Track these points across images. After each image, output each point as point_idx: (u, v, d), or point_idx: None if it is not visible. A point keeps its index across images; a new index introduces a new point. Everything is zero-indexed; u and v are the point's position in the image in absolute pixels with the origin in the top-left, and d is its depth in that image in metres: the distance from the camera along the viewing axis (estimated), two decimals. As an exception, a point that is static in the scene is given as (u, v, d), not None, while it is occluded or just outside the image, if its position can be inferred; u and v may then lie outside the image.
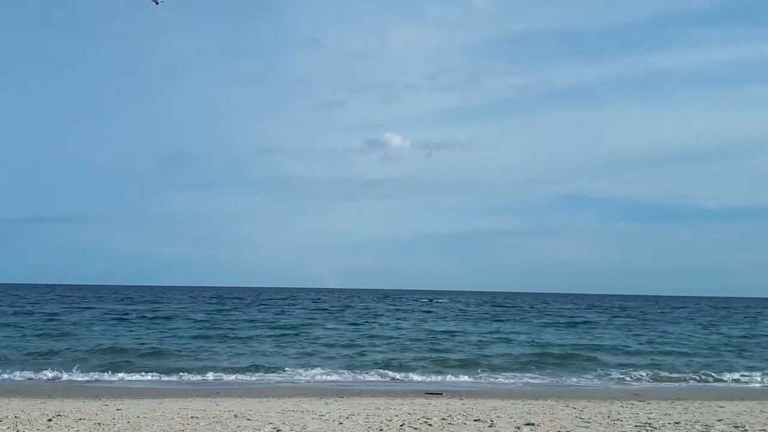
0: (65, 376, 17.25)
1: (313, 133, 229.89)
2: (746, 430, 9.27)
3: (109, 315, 38.71)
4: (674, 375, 19.43)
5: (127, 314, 39.76)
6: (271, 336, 28.00)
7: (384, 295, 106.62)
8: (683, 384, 18.26)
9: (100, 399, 12.77)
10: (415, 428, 9.14)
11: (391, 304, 65.32)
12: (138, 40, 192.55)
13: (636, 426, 9.54)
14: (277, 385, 16.45)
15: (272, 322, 35.84)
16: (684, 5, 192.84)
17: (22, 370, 17.69)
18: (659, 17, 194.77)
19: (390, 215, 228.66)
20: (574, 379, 18.62)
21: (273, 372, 18.53)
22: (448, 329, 32.93)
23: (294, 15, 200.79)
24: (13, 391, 14.12)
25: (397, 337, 28.27)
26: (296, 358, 21.79)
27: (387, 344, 25.73)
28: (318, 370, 18.83)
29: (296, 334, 28.87)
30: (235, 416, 10.05)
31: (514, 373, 19.29)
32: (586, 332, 33.63)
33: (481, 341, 27.51)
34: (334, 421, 9.69)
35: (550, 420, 10.10)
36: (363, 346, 24.86)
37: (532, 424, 9.51)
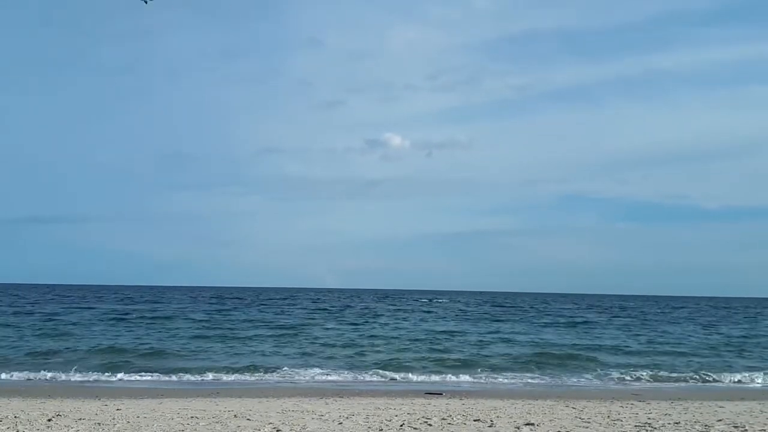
0: (65, 376, 17.24)
1: (313, 133, 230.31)
2: (746, 430, 9.27)
3: (109, 315, 38.71)
4: (674, 375, 19.43)
5: (127, 314, 39.76)
6: (270, 336, 28.01)
7: (384, 295, 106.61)
8: (683, 384, 18.26)
9: (99, 399, 12.77)
10: (415, 428, 9.13)
11: (391, 304, 65.30)
12: (138, 40, 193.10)
13: (636, 426, 9.53)
14: (277, 385, 16.45)
15: (272, 322, 35.83)
16: (684, 5, 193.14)
17: (22, 370, 17.69)
18: (659, 17, 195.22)
19: (390, 215, 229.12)
20: (574, 379, 18.61)
21: (273, 372, 18.53)
22: (448, 329, 32.92)
23: (294, 15, 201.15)
24: (13, 391, 14.12)
25: (397, 337, 28.26)
26: (296, 358, 21.79)
27: (387, 344, 25.73)
28: (318, 370, 18.83)
29: (296, 334, 28.87)
30: (235, 416, 10.05)
31: (514, 373, 19.29)
32: (586, 332, 33.63)
33: (481, 341, 27.50)
34: (334, 421, 9.68)
35: (550, 420, 10.10)
36: (363, 346, 24.86)
37: (532, 424, 9.50)
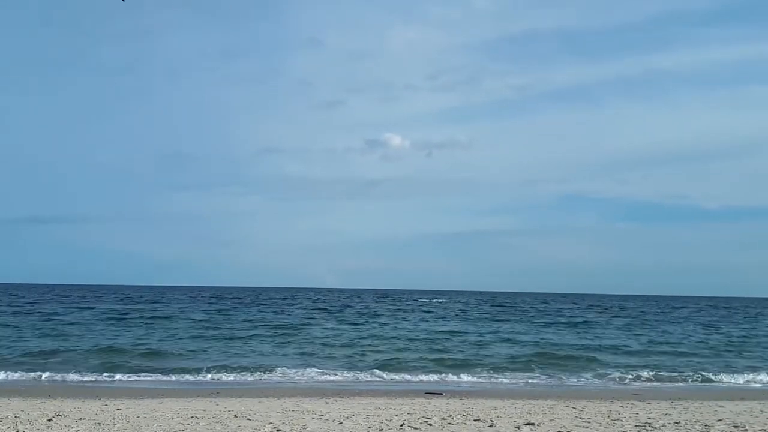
0: (65, 376, 17.23)
1: (313, 133, 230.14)
2: (746, 430, 9.27)
3: (109, 315, 38.69)
4: (674, 375, 19.41)
5: (126, 314, 39.75)
6: (270, 336, 28.01)
7: (384, 295, 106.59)
8: (683, 384, 18.26)
9: (100, 399, 12.77)
10: (415, 428, 9.13)
11: (391, 304, 65.29)
12: (138, 40, 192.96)
13: (636, 426, 9.53)
14: (277, 385, 16.45)
15: (272, 322, 35.82)
16: (684, 5, 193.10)
17: (22, 370, 17.68)
18: (659, 17, 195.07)
19: (390, 215, 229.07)
20: (574, 379, 18.61)
21: (273, 372, 18.52)
22: (448, 329, 32.91)
23: (294, 15, 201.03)
24: (13, 391, 14.12)
25: (397, 337, 28.26)
26: (296, 357, 21.79)
27: (387, 344, 25.73)
28: (318, 370, 18.82)
29: (296, 334, 28.88)
30: (235, 416, 10.05)
31: (514, 373, 19.29)
32: (586, 332, 33.63)
33: (481, 341, 27.50)
34: (334, 420, 9.68)
35: (550, 420, 10.10)
36: (363, 346, 24.86)
37: (532, 424, 9.50)
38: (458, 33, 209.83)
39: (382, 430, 8.97)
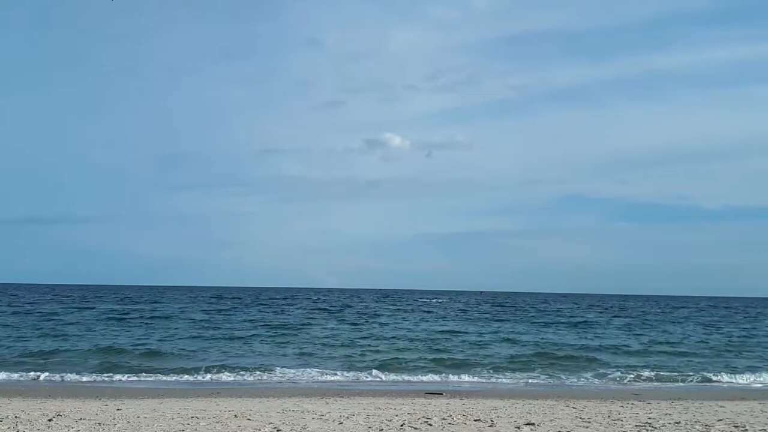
0: (65, 376, 17.23)
1: (312, 134, 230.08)
2: (746, 430, 9.27)
3: (109, 315, 38.69)
4: (674, 375, 19.42)
5: (126, 314, 39.75)
6: (270, 336, 28.01)
7: (384, 295, 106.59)
8: (683, 384, 18.26)
9: (100, 399, 12.77)
10: (415, 428, 9.13)
11: (391, 304, 65.28)
12: (137, 40, 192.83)
13: (636, 426, 9.53)
14: (277, 385, 16.45)
15: (272, 322, 35.83)
16: (684, 5, 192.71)
17: (22, 370, 17.69)
18: (659, 17, 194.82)
19: (390, 215, 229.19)
20: (574, 379, 18.62)
21: (273, 372, 18.52)
22: (448, 329, 32.91)
23: (293, 15, 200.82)
24: (13, 391, 14.12)
25: (397, 337, 28.27)
26: (296, 357, 21.80)
27: (387, 344, 25.74)
28: (318, 370, 18.83)
29: (296, 334, 28.88)
30: (236, 416, 10.05)
31: (514, 373, 19.30)
32: (586, 332, 33.63)
33: (481, 341, 27.51)
34: (334, 421, 9.68)
35: (550, 420, 10.10)
36: (363, 346, 24.86)
37: (533, 424, 9.50)
38: (458, 33, 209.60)
39: (382, 430, 8.97)
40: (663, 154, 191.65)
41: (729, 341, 30.25)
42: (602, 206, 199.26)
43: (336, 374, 18.43)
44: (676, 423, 9.85)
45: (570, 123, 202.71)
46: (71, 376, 17.29)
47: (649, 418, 10.36)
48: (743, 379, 19.12)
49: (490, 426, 9.37)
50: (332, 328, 32.55)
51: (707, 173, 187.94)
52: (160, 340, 25.53)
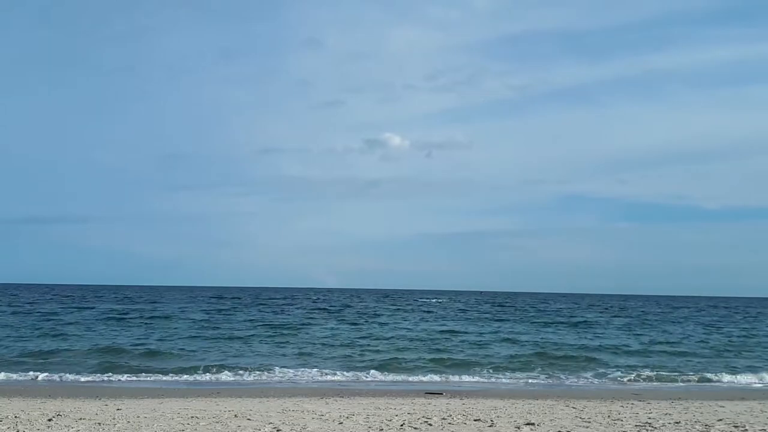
0: (65, 376, 17.23)
1: (312, 133, 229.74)
2: (746, 430, 9.27)
3: (109, 315, 38.68)
4: (674, 375, 19.42)
5: (126, 314, 39.74)
6: (270, 336, 28.02)
7: (384, 295, 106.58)
8: (683, 384, 18.26)
9: (100, 399, 12.76)
10: (415, 428, 9.13)
11: (391, 304, 65.28)
12: (138, 40, 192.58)
13: (636, 426, 9.53)
14: (277, 385, 16.45)
15: (272, 321, 35.82)
16: (684, 5, 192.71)
17: (22, 370, 17.68)
18: (659, 17, 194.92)
19: (390, 215, 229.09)
20: (574, 379, 18.62)
21: (272, 372, 18.52)
22: (448, 329, 32.91)
23: (293, 15, 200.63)
24: (13, 391, 14.12)
25: (397, 337, 28.27)
26: (296, 357, 21.79)
27: (387, 344, 25.74)
28: (318, 370, 18.83)
29: (296, 334, 28.88)
30: (235, 416, 10.04)
31: (514, 373, 19.30)
32: (586, 332, 33.63)
33: (480, 341, 27.51)
34: (334, 420, 9.68)
35: (550, 420, 10.09)
36: (363, 346, 24.86)
37: (532, 424, 9.50)
38: (458, 33, 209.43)
39: (382, 430, 8.96)
40: (663, 154, 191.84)
41: (729, 341, 30.25)
42: (602, 206, 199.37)
43: (336, 374, 18.43)
44: (676, 423, 9.85)
45: (570, 123, 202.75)
46: (71, 376, 17.28)
47: (649, 418, 10.36)
48: (743, 379, 19.13)
49: (490, 426, 9.37)
50: (332, 328, 32.54)
51: (707, 173, 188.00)
52: (159, 340, 25.52)
